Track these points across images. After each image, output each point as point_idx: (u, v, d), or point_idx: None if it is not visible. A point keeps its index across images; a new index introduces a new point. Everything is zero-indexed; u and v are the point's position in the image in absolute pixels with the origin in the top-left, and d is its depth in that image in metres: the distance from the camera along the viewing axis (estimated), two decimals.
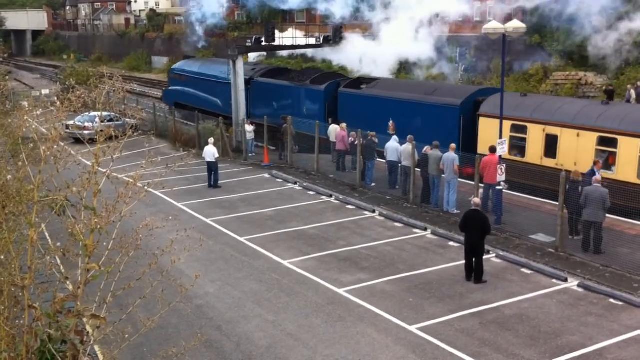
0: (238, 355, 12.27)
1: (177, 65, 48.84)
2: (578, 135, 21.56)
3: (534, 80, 41.60)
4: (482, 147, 23.28)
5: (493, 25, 19.94)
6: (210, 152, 25.35)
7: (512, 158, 22.45)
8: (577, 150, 21.56)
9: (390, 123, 27.33)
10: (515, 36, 21.51)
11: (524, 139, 23.30)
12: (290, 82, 35.22)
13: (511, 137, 23.20)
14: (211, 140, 26.57)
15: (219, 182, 25.45)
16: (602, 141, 21.01)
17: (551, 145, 22.33)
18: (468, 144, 24.35)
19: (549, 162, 21.87)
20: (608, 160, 20.81)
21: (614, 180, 18.83)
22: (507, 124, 22.94)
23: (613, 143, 20.69)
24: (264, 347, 12.55)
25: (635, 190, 17.49)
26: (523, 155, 23.06)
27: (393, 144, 23.48)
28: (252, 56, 43.51)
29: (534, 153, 22.80)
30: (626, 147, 20.19)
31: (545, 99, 26.03)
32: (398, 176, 23.55)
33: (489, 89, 28.90)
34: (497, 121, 22.25)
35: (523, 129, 23.30)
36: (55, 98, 5.18)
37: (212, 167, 25.37)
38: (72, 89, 5.06)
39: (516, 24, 19.97)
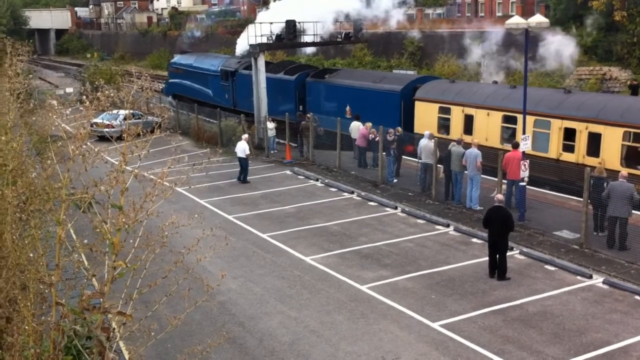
0: (261, 351, 12.33)
1: (175, 59, 51.83)
2: (488, 114, 25.17)
3: (557, 75, 41.22)
4: (418, 127, 27.44)
5: (516, 20, 19.77)
6: (241, 147, 25.60)
7: (440, 135, 25.57)
8: (487, 127, 25.17)
9: (347, 108, 30.43)
10: (538, 31, 21.33)
11: (448, 119, 26.99)
12: (267, 73, 37.02)
13: (439, 118, 27.35)
14: (245, 136, 26.86)
15: (248, 178, 25.72)
16: (506, 119, 24.53)
17: (468, 124, 26.01)
18: (408, 125, 27.89)
19: (467, 138, 24.08)
20: (514, 136, 23.48)
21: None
22: (435, 107, 27.59)
23: (514, 120, 23.94)
24: (286, 343, 12.60)
25: (532, 161, 19.90)
26: (448, 133, 26.42)
27: (425, 141, 22.95)
28: (239, 51, 45.03)
29: (456, 131, 26.19)
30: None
31: (466, 84, 30.10)
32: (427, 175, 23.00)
33: (428, 77, 32.99)
34: (430, 104, 27.77)
35: (448, 111, 27.06)
36: (84, 97, 5.22)
37: (241, 163, 25.59)
38: (101, 88, 5.11)
39: (539, 19, 19.77)
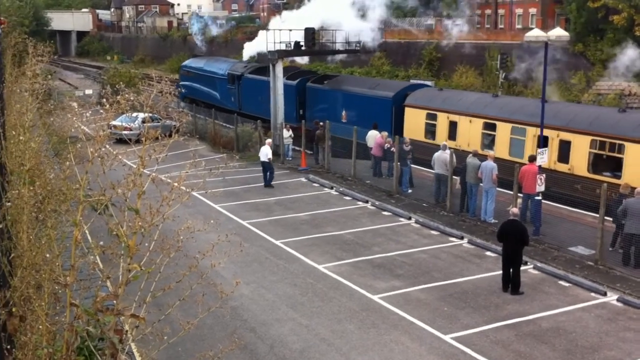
0: (271, 358, 12.31)
1: (186, 63, 54.12)
2: (470, 121, 26.66)
3: (576, 90, 41.01)
4: (407, 133, 28.62)
5: (535, 33, 19.70)
6: (264, 152, 25.93)
7: (427, 140, 27.69)
8: (469, 133, 26.60)
9: (343, 113, 32.80)
10: (558, 45, 21.26)
11: (434, 125, 28.49)
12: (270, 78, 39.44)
13: (426, 124, 28.87)
14: (268, 140, 27.37)
15: (273, 182, 26.06)
16: (486, 126, 26.05)
17: (453, 130, 27.51)
18: (398, 129, 29.40)
19: (451, 144, 25.34)
20: (493, 142, 25.58)
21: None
22: (423, 113, 29.12)
23: (493, 127, 25.69)
24: (297, 350, 12.58)
25: (507, 165, 21.22)
26: (434, 138, 27.96)
27: (439, 152, 22.69)
28: (246, 55, 47.96)
29: (441, 136, 27.61)
30: (502, 130, 25.23)
31: (452, 93, 32.00)
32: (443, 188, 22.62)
33: (419, 84, 34.65)
34: (419, 110, 29.31)
35: (434, 117, 28.53)
36: (104, 100, 5.25)
37: (265, 167, 25.85)
38: (120, 91, 5.14)
39: (559, 32, 19.69)
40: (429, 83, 42.54)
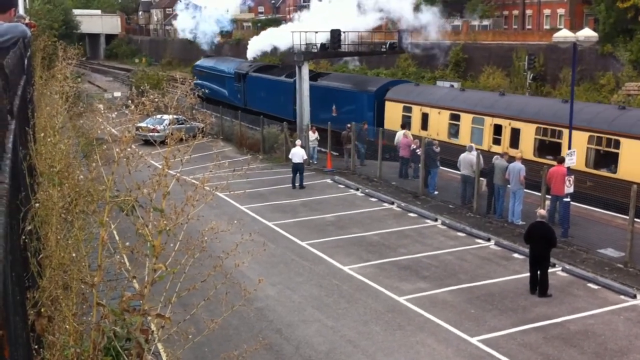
0: (297, 359, 12.32)
1: (198, 62, 58.10)
2: (439, 113, 29.79)
3: (605, 90, 40.45)
4: (388, 124, 31.66)
5: (563, 34, 19.48)
6: (300, 153, 25.92)
7: (405, 131, 28.45)
8: (438, 124, 29.72)
9: (333, 107, 35.42)
10: (586, 45, 20.96)
11: (410, 117, 31.39)
12: (271, 76, 42.21)
13: (403, 116, 31.77)
14: (298, 142, 27.58)
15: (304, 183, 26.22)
16: (452, 117, 29.15)
17: (425, 121, 30.61)
18: (380, 122, 32.26)
19: (423, 133, 28.84)
20: (458, 132, 28.60)
21: (457, 144, 26.03)
22: (400, 106, 32.16)
23: (458, 118, 28.78)
24: (322, 352, 12.57)
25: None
26: (410, 129, 29.48)
27: (465, 153, 22.64)
28: (250, 55, 50.49)
29: (416, 127, 30.60)
30: (464, 121, 28.33)
31: (426, 87, 35.35)
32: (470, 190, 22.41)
33: (400, 80, 38.29)
34: (397, 104, 32.48)
35: (410, 109, 31.61)
36: (130, 101, 5.30)
37: (298, 169, 25.83)
38: (146, 93, 5.17)
39: (587, 33, 19.45)
40: (455, 84, 42.31)
